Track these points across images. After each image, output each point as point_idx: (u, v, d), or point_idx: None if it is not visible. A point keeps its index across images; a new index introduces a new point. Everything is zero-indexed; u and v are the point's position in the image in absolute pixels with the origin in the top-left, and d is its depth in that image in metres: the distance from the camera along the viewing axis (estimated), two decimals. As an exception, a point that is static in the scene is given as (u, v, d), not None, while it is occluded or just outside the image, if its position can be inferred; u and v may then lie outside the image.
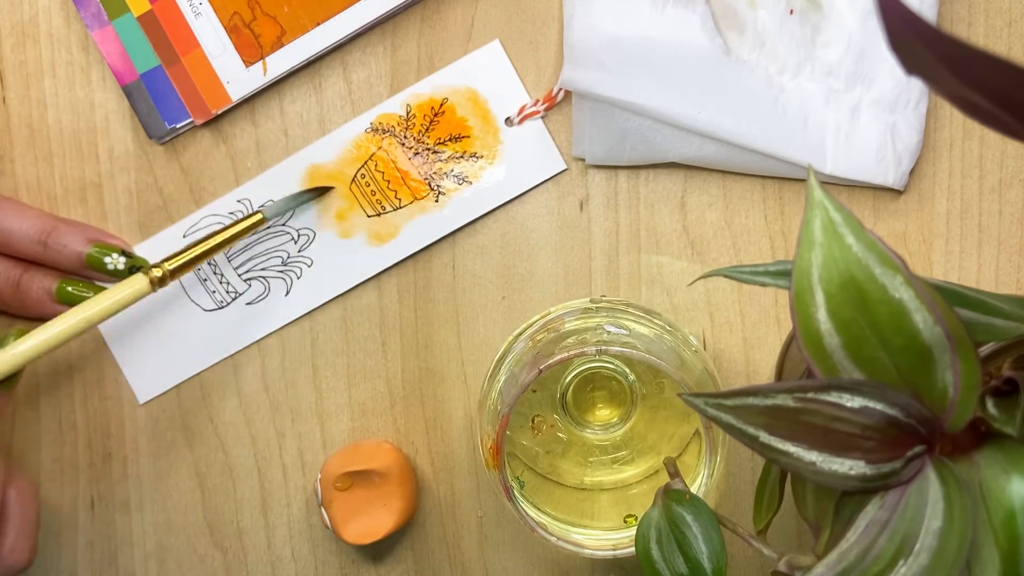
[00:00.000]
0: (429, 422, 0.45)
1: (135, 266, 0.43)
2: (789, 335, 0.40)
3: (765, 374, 0.44)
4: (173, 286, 0.44)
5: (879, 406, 0.26)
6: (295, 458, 0.45)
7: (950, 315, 0.25)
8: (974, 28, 0.43)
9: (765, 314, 0.44)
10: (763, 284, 0.29)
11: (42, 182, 0.44)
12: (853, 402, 0.26)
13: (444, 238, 0.44)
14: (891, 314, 0.25)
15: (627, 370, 0.41)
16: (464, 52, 0.43)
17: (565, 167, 0.44)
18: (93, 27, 0.43)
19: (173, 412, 0.45)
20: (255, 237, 0.44)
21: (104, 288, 0.44)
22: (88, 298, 0.43)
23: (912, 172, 0.43)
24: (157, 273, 0.40)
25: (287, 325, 0.45)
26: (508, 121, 0.44)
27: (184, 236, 0.44)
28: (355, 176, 0.44)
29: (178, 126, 0.43)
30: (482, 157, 0.44)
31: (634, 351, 0.36)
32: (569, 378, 0.42)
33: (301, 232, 0.44)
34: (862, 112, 0.42)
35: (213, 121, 0.44)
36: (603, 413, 0.42)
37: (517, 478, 0.40)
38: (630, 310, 0.40)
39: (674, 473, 0.36)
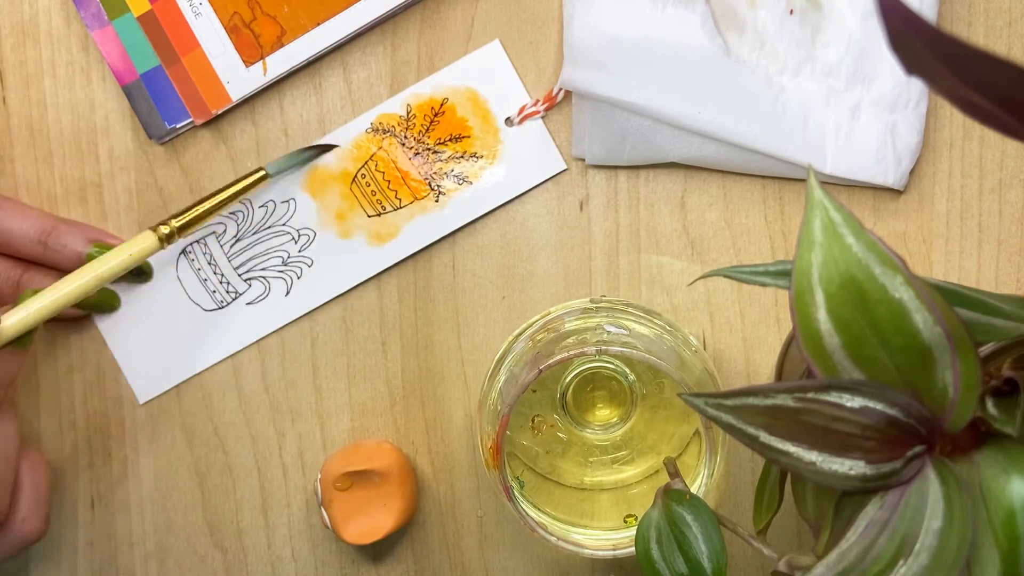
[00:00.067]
0: (429, 422, 0.45)
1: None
2: (789, 335, 0.40)
3: (765, 374, 0.44)
4: (173, 286, 0.44)
5: (879, 406, 0.26)
6: (295, 458, 0.45)
7: (950, 315, 0.25)
8: (974, 28, 0.43)
9: (765, 314, 0.44)
10: (763, 284, 0.29)
11: (42, 182, 0.44)
12: (853, 402, 0.26)
13: (444, 238, 0.44)
14: (891, 314, 0.25)
15: (627, 370, 0.41)
16: (464, 52, 0.43)
17: (565, 167, 0.44)
18: (93, 27, 0.43)
19: (173, 412, 0.45)
20: (255, 237, 0.44)
21: (105, 288, 0.44)
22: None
23: (912, 172, 0.43)
24: (165, 230, 0.40)
25: (287, 325, 0.45)
26: (508, 121, 0.44)
27: (184, 236, 0.44)
28: (355, 176, 0.44)
29: (178, 126, 0.43)
30: (482, 157, 0.44)
31: (634, 351, 0.36)
32: (569, 378, 0.42)
33: (301, 232, 0.44)
34: (862, 112, 0.42)
35: (213, 121, 0.44)
36: (603, 413, 0.42)
37: (517, 478, 0.40)
38: (630, 310, 0.40)
39: (674, 473, 0.36)
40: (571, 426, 0.42)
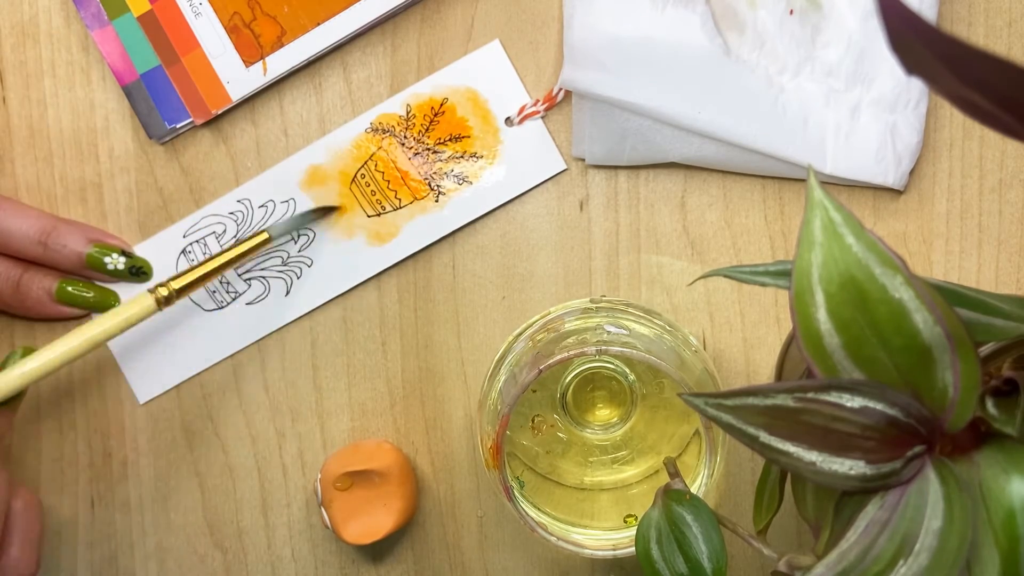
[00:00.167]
0: (429, 422, 0.45)
1: (135, 266, 0.43)
2: (789, 335, 0.40)
3: (765, 374, 0.44)
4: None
5: (879, 406, 0.26)
6: (295, 458, 0.45)
7: (950, 315, 0.25)
8: (974, 28, 0.43)
9: (765, 314, 0.44)
10: (763, 284, 0.29)
11: (42, 182, 0.44)
12: (853, 402, 0.26)
13: (444, 238, 0.44)
14: (891, 314, 0.25)
15: (627, 370, 0.41)
16: (464, 52, 0.43)
17: (565, 167, 0.44)
18: (93, 27, 0.43)
19: (173, 412, 0.45)
20: (255, 237, 0.44)
21: (104, 288, 0.44)
22: (88, 298, 0.43)
23: (912, 172, 0.43)
24: (163, 292, 0.40)
25: (287, 325, 0.45)
26: (508, 121, 0.44)
27: (184, 236, 0.44)
28: (355, 176, 0.44)
29: (178, 126, 0.43)
30: (482, 157, 0.44)
31: (634, 351, 0.36)
32: (569, 378, 0.42)
33: (301, 232, 0.44)
34: (862, 112, 0.42)
35: (213, 121, 0.44)
36: (603, 413, 0.42)
37: (517, 478, 0.40)
38: (630, 310, 0.40)
39: (674, 473, 0.36)
40: (571, 426, 0.42)
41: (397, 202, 0.44)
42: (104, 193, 0.44)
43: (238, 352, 0.45)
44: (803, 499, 0.31)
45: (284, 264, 0.44)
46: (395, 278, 0.45)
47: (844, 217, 0.26)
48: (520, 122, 0.44)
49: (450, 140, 0.44)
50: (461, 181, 0.44)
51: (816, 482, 0.27)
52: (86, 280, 0.43)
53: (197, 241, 0.44)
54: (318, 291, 0.44)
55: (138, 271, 0.44)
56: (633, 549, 0.34)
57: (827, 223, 0.26)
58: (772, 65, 0.41)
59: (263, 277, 0.44)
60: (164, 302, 0.40)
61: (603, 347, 0.36)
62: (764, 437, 0.26)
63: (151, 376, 0.45)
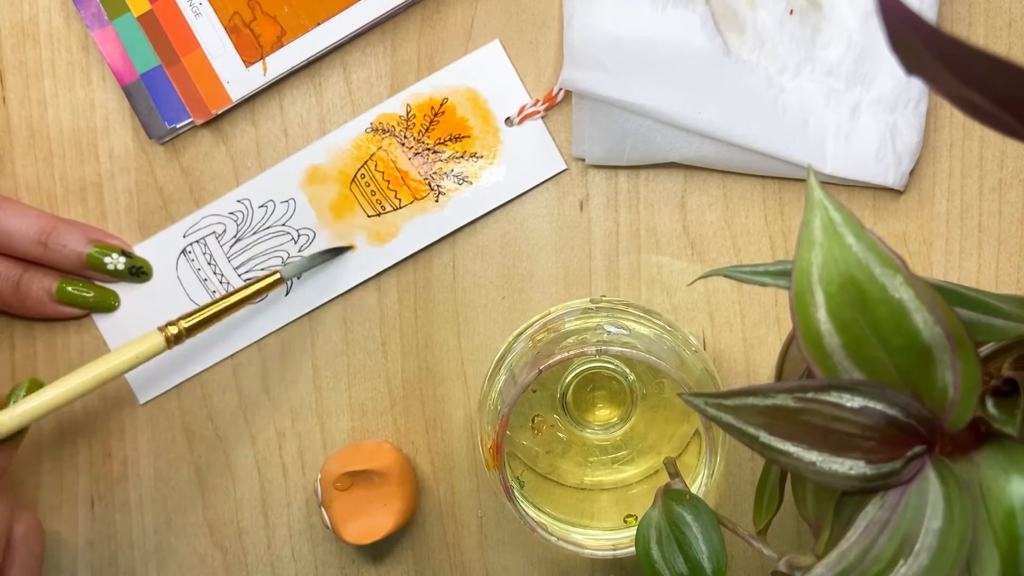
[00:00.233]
0: (429, 422, 0.45)
1: (135, 266, 0.43)
2: (789, 335, 0.40)
3: (765, 374, 0.44)
4: (173, 286, 0.44)
5: (879, 406, 0.26)
6: (295, 458, 0.45)
7: (950, 315, 0.25)
8: (974, 28, 0.43)
9: (765, 314, 0.44)
10: (763, 284, 0.29)
11: (42, 182, 0.44)
12: (853, 402, 0.26)
13: (444, 238, 0.44)
14: (891, 314, 0.25)
15: (627, 370, 0.41)
16: (464, 52, 0.43)
17: (565, 167, 0.44)
18: (93, 27, 0.43)
19: (173, 412, 0.45)
20: (255, 237, 0.44)
21: (104, 288, 0.44)
22: (88, 298, 0.43)
23: (912, 172, 0.43)
24: (173, 331, 0.40)
25: (287, 325, 0.45)
26: (508, 121, 0.44)
27: (184, 236, 0.44)
28: (355, 176, 0.44)
29: (178, 126, 0.43)
30: (482, 157, 0.44)
31: (634, 351, 0.36)
32: (569, 378, 0.42)
33: (301, 232, 0.44)
34: (862, 112, 0.42)
35: (213, 121, 0.44)
36: (603, 413, 0.42)
37: (517, 478, 0.40)
38: (630, 310, 0.40)
39: (674, 473, 0.36)
40: (571, 426, 0.42)
41: (397, 202, 0.44)
42: (104, 193, 0.44)
43: (238, 352, 0.45)
44: (803, 499, 0.31)
45: (284, 264, 0.44)
46: (395, 278, 0.45)
47: (844, 217, 0.26)
48: (520, 122, 0.44)
49: (450, 140, 0.44)
50: (461, 181, 0.44)
51: (816, 482, 0.27)
52: (86, 280, 0.43)
53: (197, 241, 0.44)
54: (318, 291, 0.44)
55: (138, 271, 0.44)
56: (633, 549, 0.34)
57: (827, 223, 0.26)
58: (772, 65, 0.41)
59: (263, 277, 0.44)
60: (174, 340, 0.40)
61: (603, 347, 0.36)
62: (764, 437, 0.26)
63: (151, 376, 0.45)
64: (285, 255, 0.44)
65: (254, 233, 0.44)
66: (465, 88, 0.44)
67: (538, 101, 0.43)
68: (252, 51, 0.42)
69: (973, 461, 0.26)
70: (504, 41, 0.43)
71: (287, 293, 0.45)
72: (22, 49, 0.43)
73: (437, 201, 0.44)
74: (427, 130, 0.44)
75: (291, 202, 0.44)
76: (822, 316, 0.26)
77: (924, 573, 0.25)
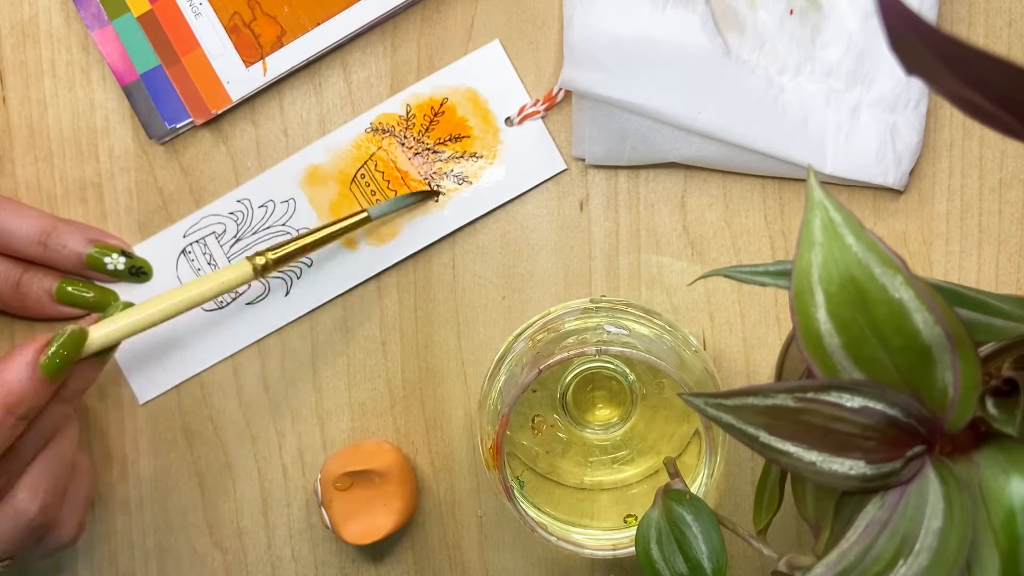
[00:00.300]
0: (429, 422, 0.45)
1: (135, 266, 0.43)
2: (789, 335, 0.40)
3: (765, 374, 0.44)
4: (173, 286, 0.44)
5: (879, 406, 0.26)
6: (295, 458, 0.45)
7: (950, 315, 0.25)
8: (974, 28, 0.43)
9: (765, 314, 0.44)
10: (763, 284, 0.29)
11: (42, 182, 0.44)
12: (853, 402, 0.26)
13: (444, 238, 0.44)
14: (891, 314, 0.25)
15: (627, 370, 0.41)
16: (464, 52, 0.43)
17: (565, 167, 0.44)
18: (93, 27, 0.43)
19: (173, 412, 0.45)
20: (255, 237, 0.44)
21: (104, 288, 0.44)
22: (88, 298, 0.43)
23: (912, 172, 0.43)
24: (260, 261, 0.40)
25: (287, 325, 0.45)
26: (508, 121, 0.44)
27: (184, 236, 0.44)
28: (355, 176, 0.44)
29: (178, 126, 0.43)
30: (482, 157, 0.44)
31: (634, 351, 0.36)
32: (569, 378, 0.42)
33: (301, 232, 0.44)
34: (862, 112, 0.42)
35: (213, 121, 0.44)
36: (603, 413, 0.42)
37: (517, 478, 0.40)
38: (630, 310, 0.40)
39: (674, 473, 0.36)
40: (571, 426, 0.42)
41: (397, 202, 0.44)
42: (104, 193, 0.44)
43: (238, 352, 0.45)
44: (803, 499, 0.31)
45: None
46: (395, 278, 0.45)
47: (844, 217, 0.26)
48: (520, 122, 0.44)
49: (450, 140, 0.44)
50: (461, 181, 0.44)
51: (816, 482, 0.27)
52: (86, 280, 0.43)
53: (197, 241, 0.44)
54: (318, 291, 0.44)
55: (138, 271, 0.44)
56: (633, 549, 0.34)
57: (827, 223, 0.26)
58: (772, 65, 0.41)
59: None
60: (261, 270, 0.40)
61: (603, 347, 0.36)
62: (764, 437, 0.26)
63: (151, 376, 0.45)
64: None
65: (254, 233, 0.44)
66: (465, 88, 0.44)
67: (538, 101, 0.43)
68: (252, 51, 0.42)
69: (973, 461, 0.26)
70: (504, 41, 0.43)
71: (287, 293, 0.45)
72: (22, 49, 0.43)
73: (437, 201, 0.44)
74: (427, 130, 0.44)
75: (291, 202, 0.44)
76: (822, 316, 0.26)
77: (924, 573, 0.25)
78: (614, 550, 0.38)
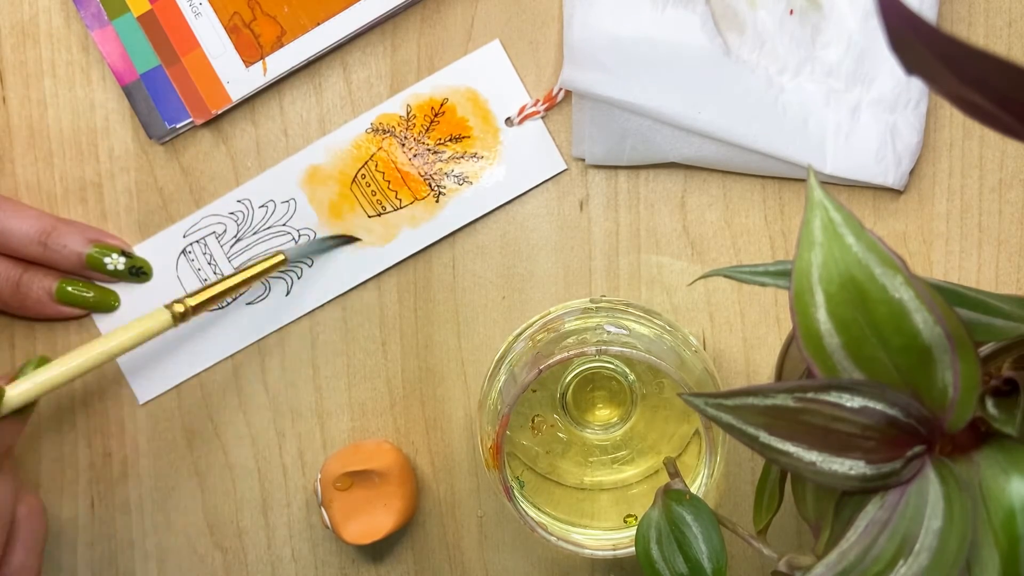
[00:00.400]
0: (429, 422, 0.45)
1: (135, 266, 0.43)
2: (789, 335, 0.40)
3: (765, 374, 0.44)
4: (173, 286, 0.44)
5: (879, 406, 0.26)
6: (295, 458, 0.45)
7: (950, 315, 0.25)
8: (974, 28, 0.43)
9: (765, 314, 0.44)
10: (763, 284, 0.29)
11: (42, 182, 0.44)
12: (853, 402, 0.26)
13: (444, 238, 0.44)
14: (891, 314, 0.25)
15: (627, 370, 0.41)
16: (464, 52, 0.43)
17: (565, 167, 0.44)
18: (93, 27, 0.43)
19: (173, 412, 0.45)
20: (255, 237, 0.44)
21: (104, 288, 0.44)
22: (88, 298, 0.43)
23: (912, 172, 0.43)
24: (179, 308, 0.40)
25: (287, 325, 0.45)
26: (508, 121, 0.44)
27: (184, 236, 0.44)
28: (355, 176, 0.44)
29: (178, 126, 0.43)
30: (482, 157, 0.44)
31: (634, 351, 0.36)
32: (569, 378, 0.42)
33: (301, 232, 0.44)
34: (862, 112, 0.42)
35: (213, 121, 0.44)
36: (603, 413, 0.42)
37: (517, 478, 0.40)
38: (630, 310, 0.40)
39: (674, 473, 0.36)
40: (571, 426, 0.42)
41: (397, 202, 0.44)
42: (104, 193, 0.44)
43: (238, 352, 0.45)
44: (803, 499, 0.31)
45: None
46: (395, 278, 0.45)
47: (844, 217, 0.26)
48: (520, 122, 0.44)
49: (450, 140, 0.44)
50: (461, 181, 0.44)
51: (816, 482, 0.27)
52: (86, 280, 0.43)
53: (197, 241, 0.44)
54: (318, 291, 0.44)
55: (138, 271, 0.44)
56: (633, 549, 0.34)
57: (827, 223, 0.26)
58: (772, 65, 0.41)
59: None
60: (180, 318, 0.40)
61: (603, 347, 0.36)
62: (764, 437, 0.26)
63: (151, 376, 0.45)
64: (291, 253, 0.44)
65: (254, 233, 0.44)
66: (465, 88, 0.44)
67: (538, 101, 0.43)
68: (252, 51, 0.42)
69: (973, 461, 0.26)
70: (504, 41, 0.43)
71: (287, 293, 0.45)
72: (22, 49, 0.43)
73: (437, 201, 0.44)
74: (427, 130, 0.44)
75: (291, 202, 0.44)
76: (822, 316, 0.26)
77: (924, 573, 0.25)
78: (614, 550, 0.38)
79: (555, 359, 0.36)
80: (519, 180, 0.44)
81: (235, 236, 0.44)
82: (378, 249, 0.44)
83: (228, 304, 0.45)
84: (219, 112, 0.43)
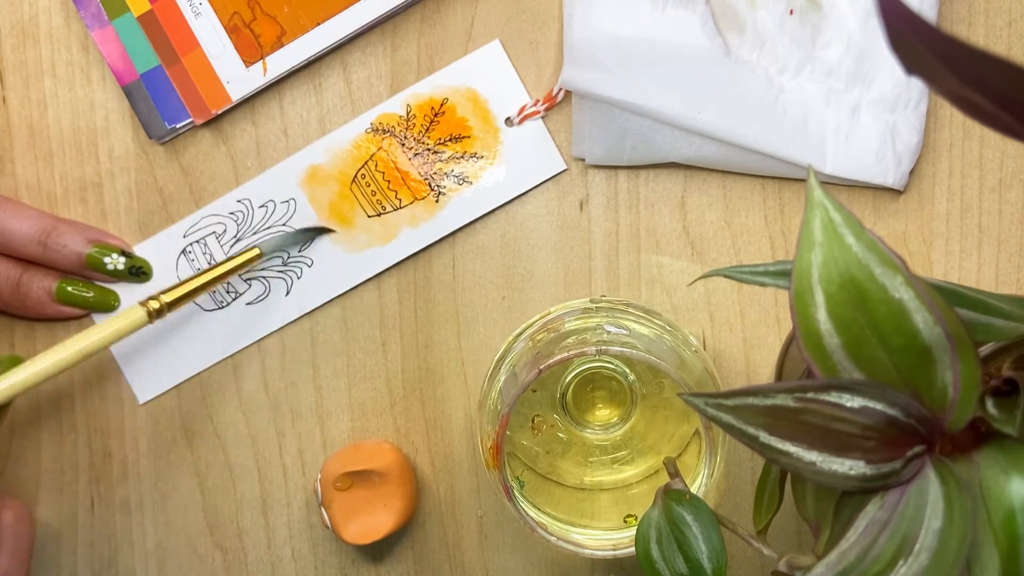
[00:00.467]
0: (429, 422, 0.45)
1: (135, 266, 0.43)
2: (789, 335, 0.40)
3: (765, 374, 0.44)
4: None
5: (879, 406, 0.26)
6: (295, 458, 0.45)
7: (950, 315, 0.25)
8: (974, 28, 0.43)
9: (765, 314, 0.44)
10: (763, 284, 0.29)
11: (42, 182, 0.44)
12: (853, 402, 0.26)
13: (444, 238, 0.44)
14: (891, 314, 0.25)
15: (627, 370, 0.41)
16: (464, 52, 0.43)
17: (565, 167, 0.44)
18: (93, 27, 0.43)
19: (173, 412, 0.45)
20: (255, 237, 0.44)
21: (104, 288, 0.44)
22: (88, 298, 0.43)
23: (912, 172, 0.43)
24: (154, 305, 0.40)
25: (287, 325, 0.45)
26: (508, 121, 0.44)
27: (184, 236, 0.44)
28: (355, 176, 0.44)
29: (178, 126, 0.43)
30: (482, 157, 0.44)
31: (634, 351, 0.36)
32: (569, 378, 0.42)
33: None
34: (862, 112, 0.42)
35: (213, 121, 0.44)
36: (603, 413, 0.42)
37: (517, 478, 0.40)
38: (630, 310, 0.40)
39: (674, 473, 0.36)
40: (571, 426, 0.42)
41: (397, 202, 0.44)
42: (104, 193, 0.44)
43: (238, 352, 0.45)
44: (803, 499, 0.31)
45: (284, 264, 0.44)
46: (395, 278, 0.45)
47: (844, 217, 0.26)
48: (520, 122, 0.44)
49: (450, 140, 0.44)
50: (461, 181, 0.44)
51: (816, 482, 0.27)
52: (86, 280, 0.43)
53: (197, 241, 0.44)
54: (318, 291, 0.44)
55: (138, 271, 0.44)
56: (633, 549, 0.34)
57: (827, 223, 0.26)
58: (772, 65, 0.41)
59: (263, 277, 0.44)
60: (155, 315, 0.40)
61: (603, 347, 0.36)
62: (764, 437, 0.26)
63: (151, 376, 0.45)
64: (285, 255, 0.44)
65: (254, 233, 0.44)
66: (465, 88, 0.44)
67: (538, 101, 0.43)
68: (252, 51, 0.42)
69: (973, 461, 0.26)
70: (504, 41, 0.43)
71: (287, 293, 0.45)
72: (22, 49, 0.43)
73: (437, 201, 0.44)
74: (427, 130, 0.44)
75: (291, 202, 0.44)
76: (822, 316, 0.26)
77: (924, 573, 0.25)
78: (614, 550, 0.38)
79: (555, 359, 0.36)
80: (519, 180, 0.44)
81: (235, 236, 0.44)
82: (378, 249, 0.44)
83: (228, 304, 0.45)
84: (219, 112, 0.43)
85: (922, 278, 0.26)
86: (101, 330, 0.39)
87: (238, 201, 0.44)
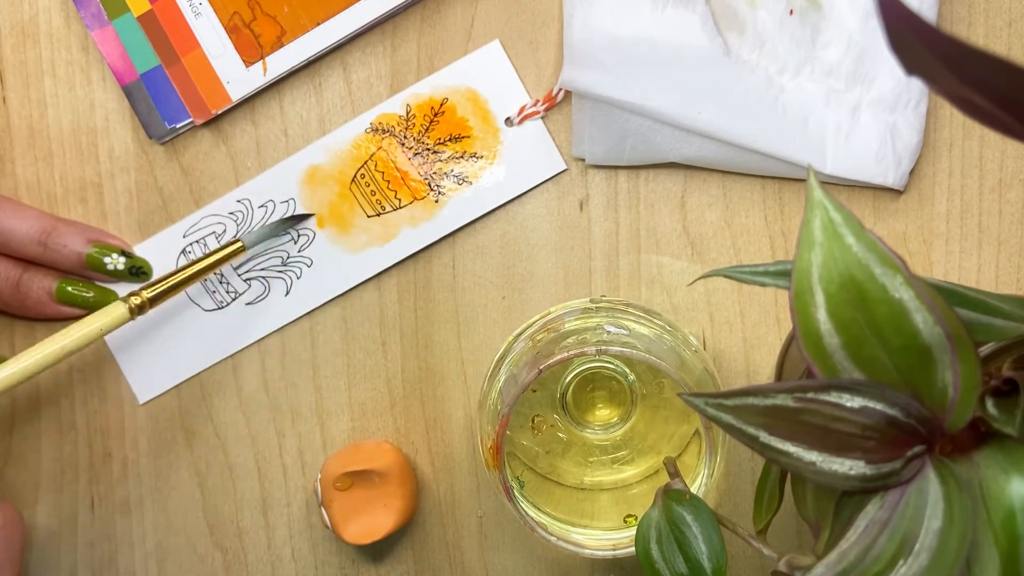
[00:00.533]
0: (429, 422, 0.45)
1: (135, 266, 0.43)
2: (789, 335, 0.40)
3: (765, 374, 0.44)
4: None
5: (879, 406, 0.26)
6: (295, 458, 0.45)
7: (950, 315, 0.25)
8: (974, 28, 0.43)
9: (765, 314, 0.44)
10: (763, 284, 0.29)
11: (42, 182, 0.44)
12: (853, 402, 0.26)
13: (444, 238, 0.44)
14: (891, 314, 0.25)
15: (627, 370, 0.41)
16: (464, 52, 0.43)
17: (565, 167, 0.44)
18: (93, 27, 0.43)
19: (173, 412, 0.45)
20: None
21: (104, 288, 0.44)
22: (88, 298, 0.43)
23: (912, 172, 0.43)
24: (136, 301, 0.40)
25: (287, 325, 0.45)
26: (508, 121, 0.44)
27: (184, 236, 0.44)
28: (355, 176, 0.44)
29: (178, 126, 0.43)
30: (482, 157, 0.44)
31: (634, 351, 0.36)
32: (569, 378, 0.42)
33: (301, 232, 0.44)
34: (862, 112, 0.42)
35: (213, 121, 0.44)
36: (603, 413, 0.42)
37: (517, 478, 0.40)
38: (630, 310, 0.40)
39: (674, 473, 0.36)
40: (571, 426, 0.42)
41: (397, 202, 0.44)
42: (104, 193, 0.44)
43: (238, 352, 0.45)
44: (803, 499, 0.31)
45: (284, 264, 0.44)
46: (395, 278, 0.45)
47: (844, 217, 0.26)
48: (520, 122, 0.44)
49: (450, 140, 0.44)
50: (461, 181, 0.44)
51: (816, 482, 0.27)
52: (86, 280, 0.43)
53: (197, 241, 0.44)
54: (318, 291, 0.44)
55: (138, 271, 0.44)
56: (633, 549, 0.34)
57: (827, 223, 0.26)
58: (772, 65, 0.41)
59: (263, 277, 0.44)
60: (137, 311, 0.40)
61: (603, 347, 0.36)
62: (764, 437, 0.26)
63: (151, 376, 0.45)
64: (285, 255, 0.44)
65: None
66: (465, 88, 0.44)
67: (538, 101, 0.43)
68: (252, 51, 0.42)
69: (973, 461, 0.26)
70: (504, 41, 0.43)
71: (287, 293, 0.45)
72: (22, 49, 0.43)
73: (437, 201, 0.44)
74: (427, 130, 0.44)
75: (291, 202, 0.44)
76: (822, 316, 0.26)
77: (924, 573, 0.25)
78: (614, 550, 0.38)
79: (555, 359, 0.36)
80: (519, 180, 0.44)
81: (235, 236, 0.44)
82: (378, 249, 0.44)
83: (228, 304, 0.45)
84: (219, 112, 0.43)
85: (922, 278, 0.26)
86: (83, 327, 0.39)
87: (238, 201, 0.44)
